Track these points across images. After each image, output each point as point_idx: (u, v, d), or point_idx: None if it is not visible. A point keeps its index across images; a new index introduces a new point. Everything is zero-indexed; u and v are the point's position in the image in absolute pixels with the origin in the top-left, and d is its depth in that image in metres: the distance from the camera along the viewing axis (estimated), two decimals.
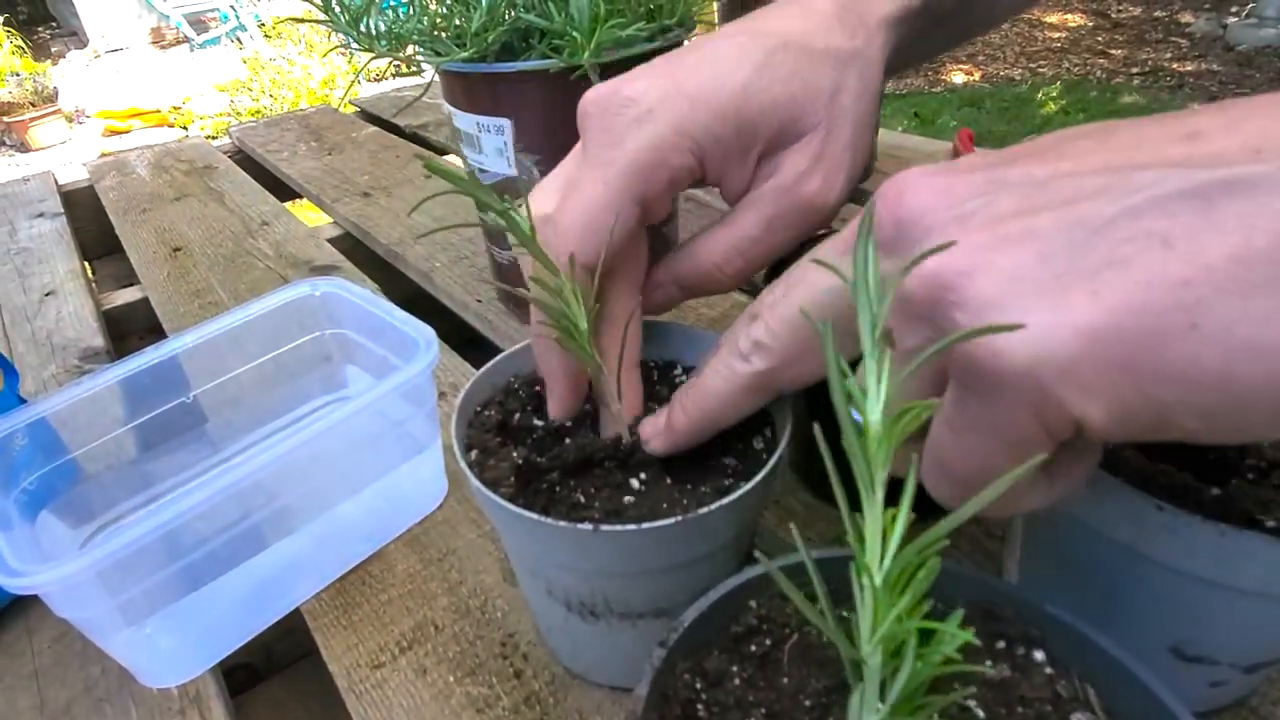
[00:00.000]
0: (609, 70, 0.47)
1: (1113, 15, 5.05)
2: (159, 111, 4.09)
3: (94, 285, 0.83)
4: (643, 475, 0.32)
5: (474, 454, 0.33)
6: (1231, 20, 4.32)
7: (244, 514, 0.39)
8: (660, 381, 0.38)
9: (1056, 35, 4.71)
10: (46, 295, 0.77)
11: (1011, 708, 0.24)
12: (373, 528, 0.45)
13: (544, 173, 0.55)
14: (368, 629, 0.40)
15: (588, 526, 0.28)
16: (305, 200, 1.03)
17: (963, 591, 0.25)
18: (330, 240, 0.85)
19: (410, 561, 0.44)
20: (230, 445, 0.51)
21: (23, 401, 0.47)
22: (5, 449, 0.41)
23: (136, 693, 0.38)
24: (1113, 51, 4.45)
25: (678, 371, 0.38)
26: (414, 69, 0.52)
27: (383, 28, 0.50)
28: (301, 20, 0.51)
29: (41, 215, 0.97)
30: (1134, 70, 4.15)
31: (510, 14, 0.51)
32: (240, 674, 0.51)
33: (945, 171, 0.22)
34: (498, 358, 0.37)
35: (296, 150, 1.11)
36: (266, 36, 4.42)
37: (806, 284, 0.26)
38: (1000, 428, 0.19)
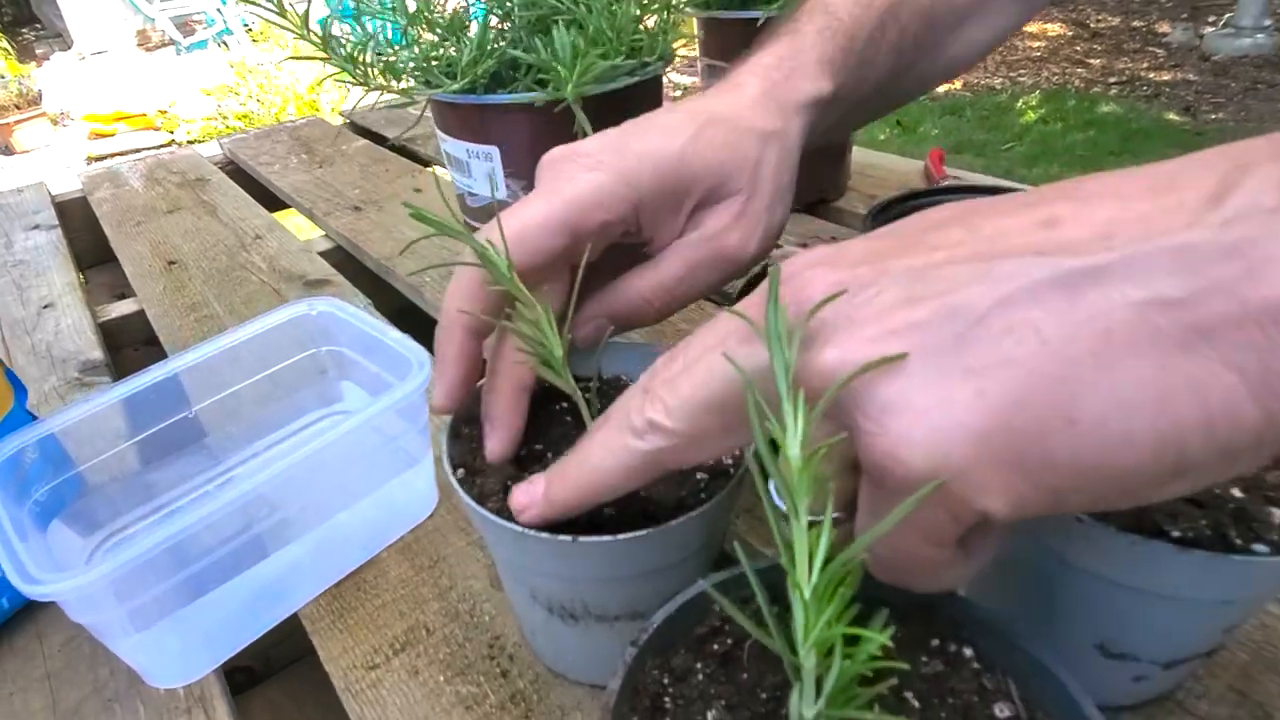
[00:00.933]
0: (591, 104, 0.50)
1: (1091, 25, 5.13)
2: (145, 115, 4.08)
3: (89, 296, 0.85)
4: None
5: (461, 471, 0.36)
6: (1208, 30, 4.41)
7: (247, 525, 0.41)
8: (606, 396, 0.40)
9: (1036, 45, 4.79)
10: (45, 308, 0.79)
11: (943, 698, 0.27)
12: (367, 536, 0.48)
13: None
14: (363, 632, 0.43)
15: (568, 538, 0.30)
16: (291, 208, 1.05)
17: (903, 594, 0.28)
18: (322, 254, 0.87)
19: (403, 568, 0.46)
20: (230, 457, 0.53)
21: (32, 417, 0.49)
22: (18, 463, 0.43)
23: (144, 693, 0.41)
24: (1091, 61, 4.53)
25: (625, 383, 0.41)
26: (407, 99, 0.55)
27: (378, 60, 0.53)
28: (298, 58, 0.53)
29: (37, 227, 0.98)
30: (1111, 80, 4.22)
31: (498, 46, 0.53)
32: (240, 675, 0.54)
33: (836, 263, 0.23)
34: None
35: (288, 163, 1.13)
36: (255, 41, 4.42)
37: (705, 368, 0.26)
38: (912, 521, 0.20)
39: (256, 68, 3.61)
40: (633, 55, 0.53)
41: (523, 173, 0.57)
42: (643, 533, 0.30)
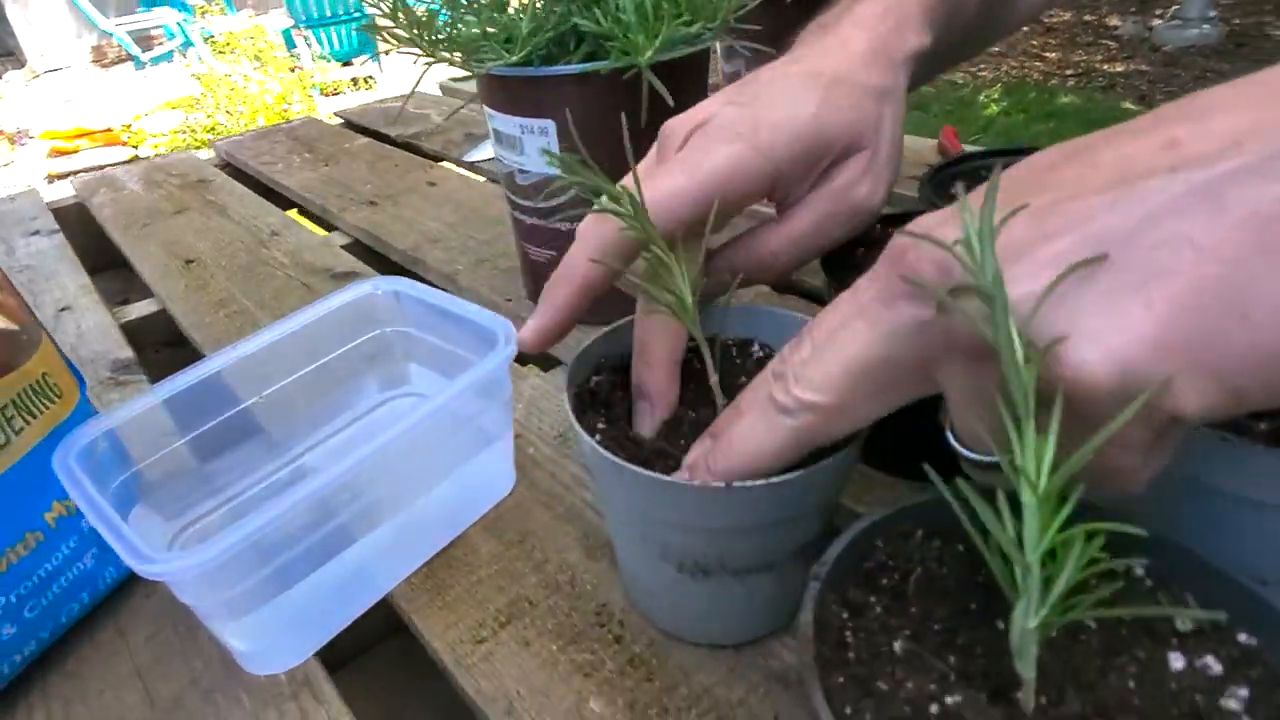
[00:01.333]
0: (655, 71, 0.50)
1: (1045, 20, 5.26)
2: (109, 130, 3.98)
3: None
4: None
5: (598, 436, 0.35)
6: (1157, 22, 4.55)
7: (331, 513, 0.40)
8: (740, 357, 0.40)
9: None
10: (62, 310, 0.76)
11: (1121, 620, 0.27)
12: (450, 516, 0.47)
13: None
14: (464, 608, 0.42)
15: (722, 485, 0.30)
16: (293, 211, 1.03)
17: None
18: (344, 248, 0.86)
19: (491, 545, 0.45)
20: (295, 446, 0.52)
21: (92, 410, 0.48)
22: (92, 453, 0.42)
23: (246, 681, 0.39)
24: (1047, 54, 4.64)
25: (755, 349, 0.41)
26: (469, 72, 0.54)
27: (441, 33, 0.52)
28: (373, 28, 0.52)
29: (37, 233, 0.95)
30: (1068, 72, 4.33)
31: (555, 12, 0.53)
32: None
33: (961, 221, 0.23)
34: (592, 339, 0.39)
35: (290, 162, 1.12)
36: (220, 53, 4.35)
37: (852, 332, 0.26)
38: (1113, 438, 0.21)
39: (224, 79, 3.55)
40: (692, 22, 0.53)
41: (578, 147, 0.56)
42: (794, 475, 0.30)
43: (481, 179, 1.02)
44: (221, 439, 0.48)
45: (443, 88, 1.54)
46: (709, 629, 0.38)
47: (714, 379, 0.36)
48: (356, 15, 5.19)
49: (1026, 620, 0.22)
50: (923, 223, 0.24)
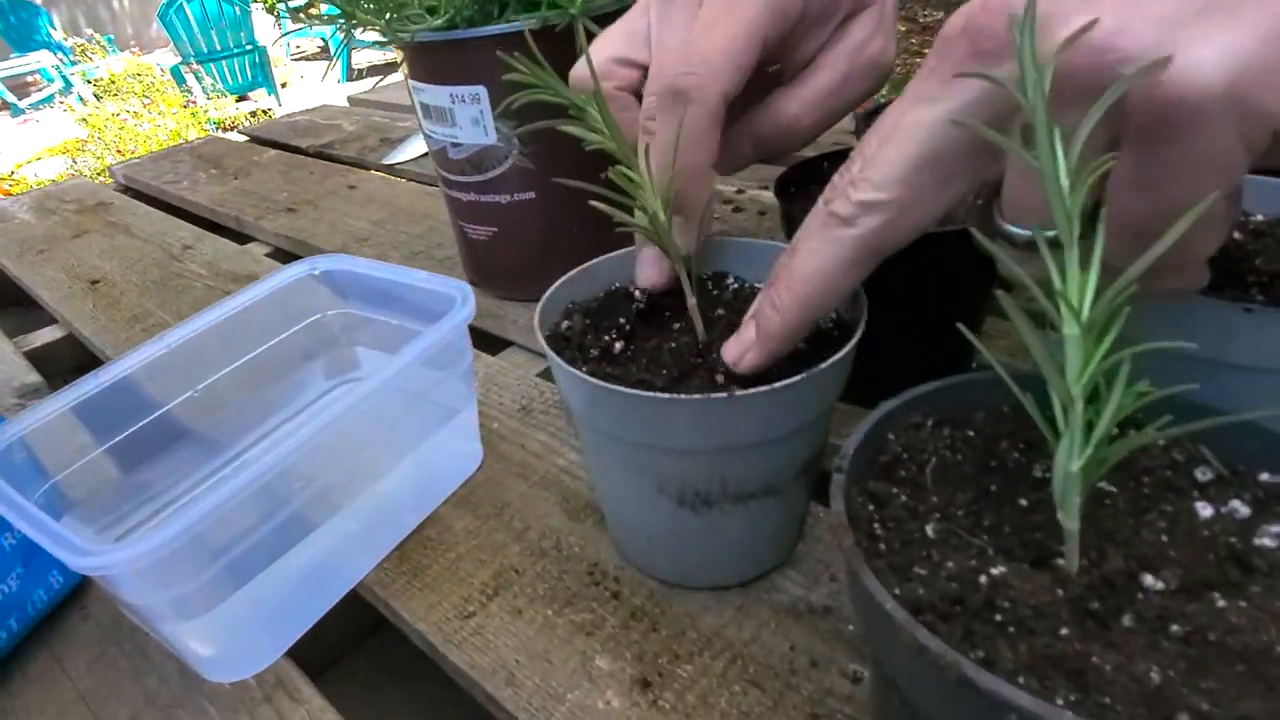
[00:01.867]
0: (598, 22, 0.48)
1: (921, 20, 5.53)
2: None
3: None
4: (719, 374, 0.33)
5: (586, 368, 0.33)
6: None
7: (281, 502, 0.37)
8: (715, 289, 0.39)
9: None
10: None
11: (1138, 479, 0.26)
12: (417, 497, 0.44)
13: (522, 138, 0.56)
14: (446, 586, 0.39)
15: (723, 395, 0.28)
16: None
17: None
18: (266, 255, 0.81)
19: (467, 520, 0.43)
20: (235, 445, 0.48)
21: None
22: (8, 461, 0.37)
23: (210, 691, 0.35)
24: (925, 51, 4.86)
25: (730, 281, 0.39)
26: (392, 37, 0.51)
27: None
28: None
29: None
30: None
31: None
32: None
33: None
34: (558, 283, 0.37)
35: (196, 179, 1.05)
36: (103, 94, 4.12)
37: (906, 125, 0.25)
38: (1204, 161, 0.20)
39: (113, 118, 3.36)
40: None
41: (512, 111, 0.54)
42: (798, 378, 0.29)
43: (405, 181, 0.99)
44: (146, 445, 0.44)
45: (350, 100, 1.49)
46: (712, 568, 0.36)
47: (692, 300, 0.34)
48: (249, 49, 5.02)
49: (1070, 462, 0.21)
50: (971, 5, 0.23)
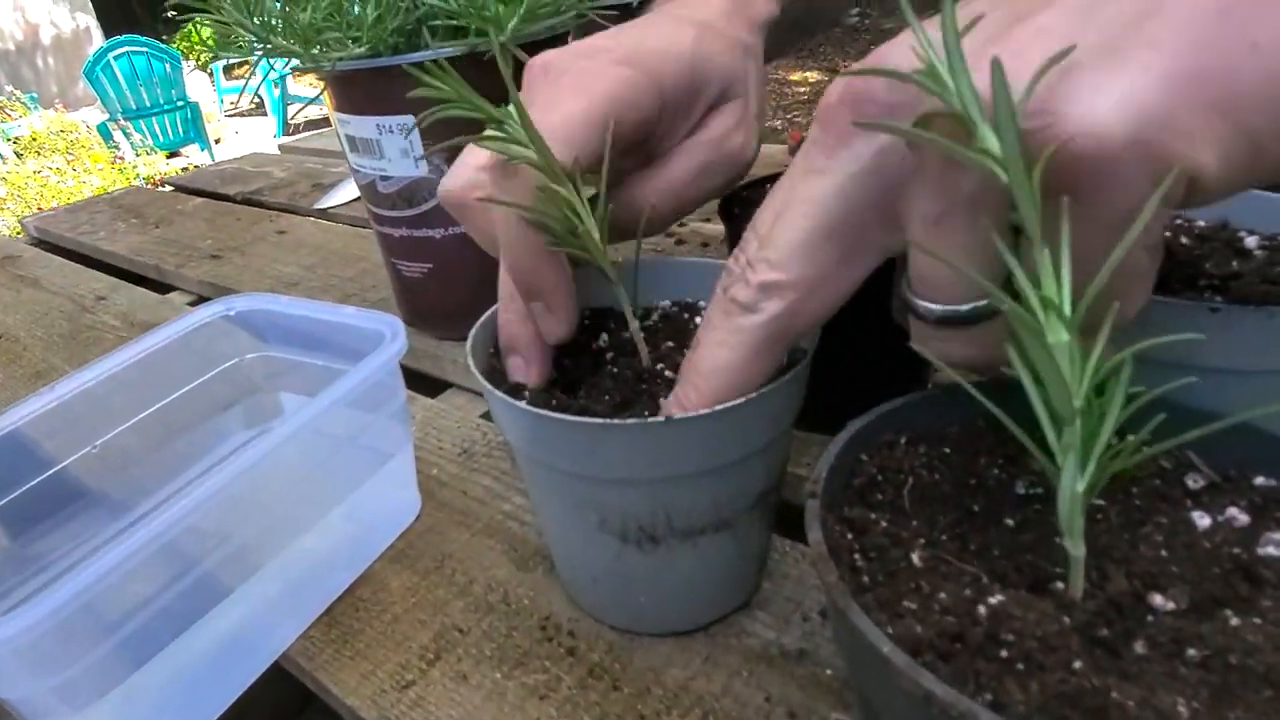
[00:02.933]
0: (527, 50, 0.47)
1: (840, 70, 5.80)
2: None
3: None
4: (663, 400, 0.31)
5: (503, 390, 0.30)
6: None
7: (188, 565, 0.32)
8: (654, 313, 0.37)
9: (802, 89, 5.43)
10: None
11: (1126, 490, 0.24)
12: (349, 553, 0.39)
13: None
14: (380, 653, 0.35)
15: (660, 419, 0.26)
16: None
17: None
18: (189, 305, 0.76)
19: (405, 576, 0.39)
20: (142, 504, 0.43)
21: None
22: None
23: None
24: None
25: (669, 305, 0.37)
26: (315, 66, 0.48)
27: (273, 24, 0.46)
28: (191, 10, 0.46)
29: None
30: None
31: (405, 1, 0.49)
32: None
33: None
34: (489, 313, 0.35)
35: (115, 229, 1.00)
36: (23, 152, 3.97)
37: (799, 199, 0.24)
38: (1119, 218, 0.18)
39: (35, 175, 3.23)
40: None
41: (442, 140, 0.52)
42: (739, 401, 0.26)
43: (339, 225, 0.95)
44: (38, 508, 0.39)
45: (282, 147, 1.46)
46: (665, 612, 0.33)
47: (634, 324, 0.32)
48: (181, 105, 4.92)
49: (1075, 483, 0.19)
50: (883, 51, 0.22)
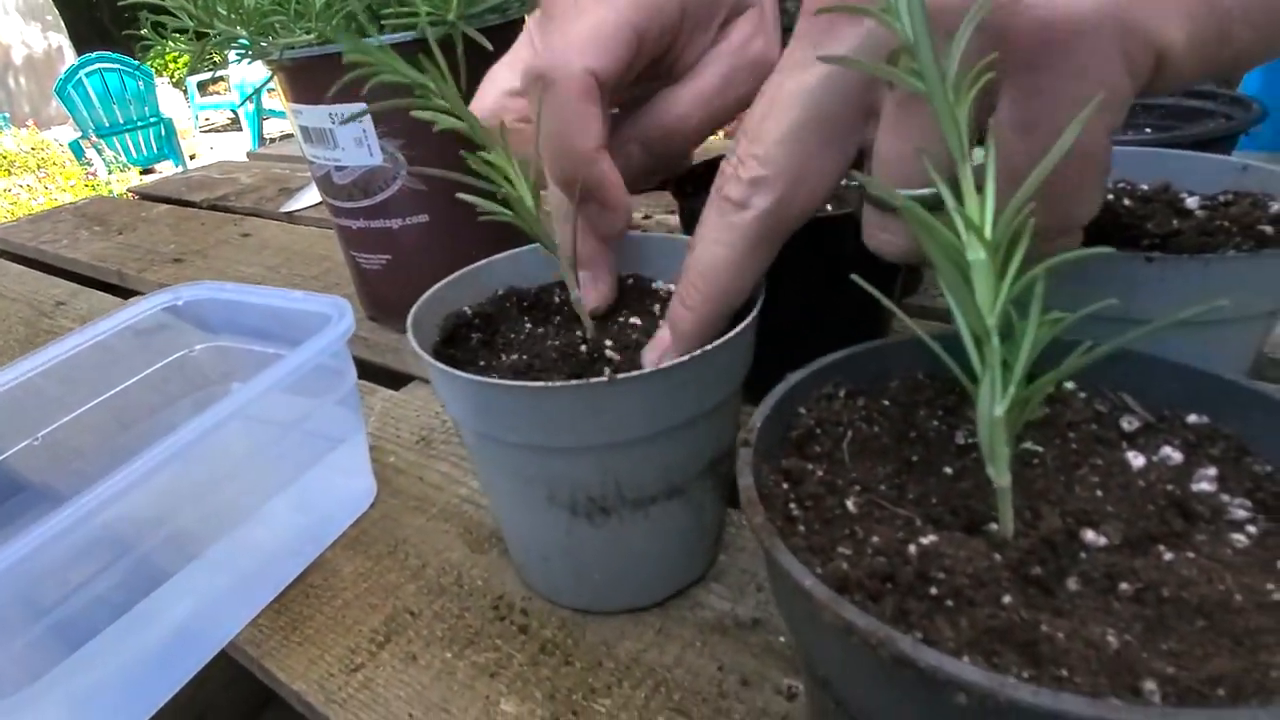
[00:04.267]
0: (466, 45, 0.46)
1: None
2: None
3: None
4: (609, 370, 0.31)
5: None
6: None
7: (123, 549, 0.31)
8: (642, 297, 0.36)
9: None
10: None
11: (1064, 435, 0.24)
12: (296, 540, 0.39)
13: (410, 158, 0.53)
14: (329, 637, 0.34)
15: (603, 379, 0.25)
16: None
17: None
18: None
19: (358, 562, 0.38)
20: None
21: None
22: None
23: None
24: None
25: (627, 279, 0.37)
26: (264, 53, 0.48)
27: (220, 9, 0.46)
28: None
29: None
30: None
31: None
32: None
33: None
34: (437, 286, 0.34)
35: (77, 237, 0.98)
36: None
37: (785, 95, 0.25)
38: (1086, 87, 0.18)
39: (5, 193, 3.19)
40: None
41: (399, 129, 0.52)
42: (685, 359, 0.26)
43: (304, 227, 0.94)
44: None
45: (250, 155, 1.44)
46: (619, 588, 0.33)
47: (575, 294, 0.32)
48: (154, 121, 4.88)
49: (994, 406, 0.18)
50: None
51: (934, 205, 0.21)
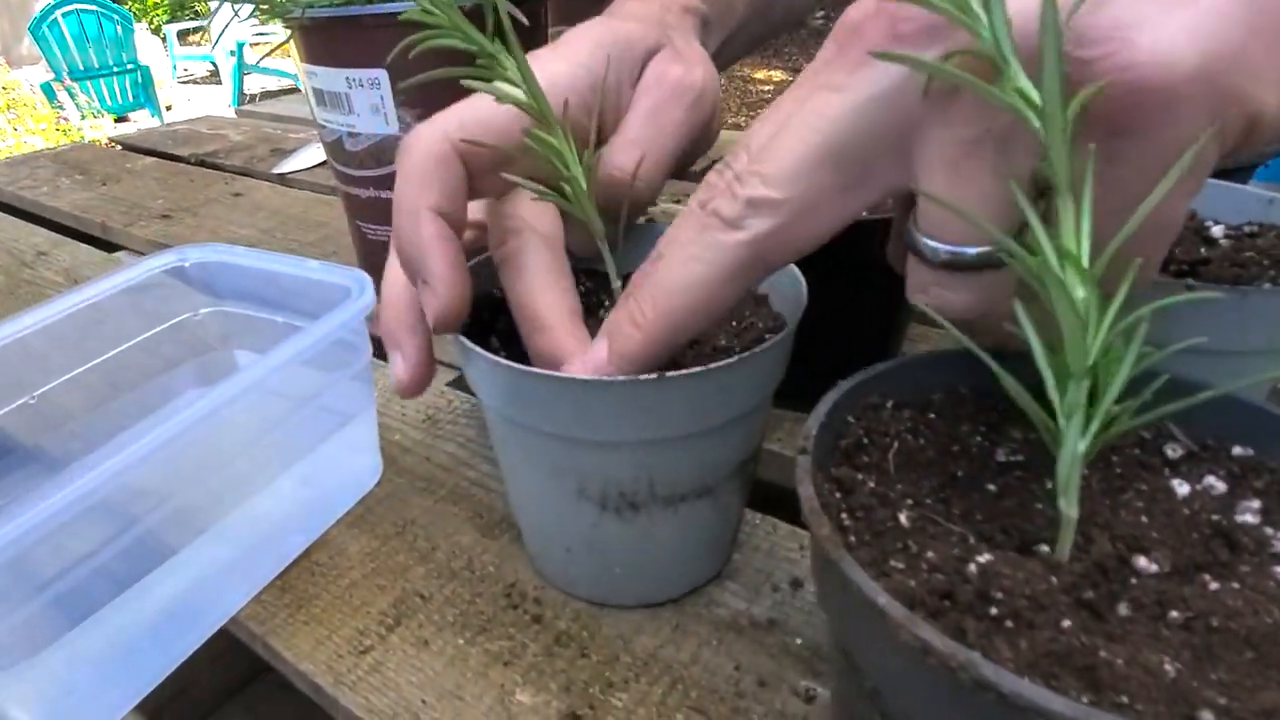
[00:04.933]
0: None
1: (801, 69, 5.90)
2: None
3: None
4: None
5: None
6: None
7: (127, 522, 0.31)
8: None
9: (766, 88, 5.49)
10: None
11: (1107, 458, 0.24)
12: (304, 516, 0.38)
13: None
14: (337, 617, 0.33)
15: (652, 376, 0.25)
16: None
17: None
18: None
19: (364, 541, 0.37)
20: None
21: None
22: None
23: None
24: None
25: None
26: (283, 9, 0.46)
27: None
28: None
29: None
30: None
31: None
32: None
33: None
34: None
35: (58, 185, 0.95)
36: None
37: (806, 114, 0.22)
38: (1175, 156, 0.17)
39: None
40: None
41: (417, 98, 0.50)
42: (733, 359, 0.26)
43: (298, 190, 0.92)
44: None
45: (239, 111, 1.41)
46: (641, 583, 0.32)
47: (616, 284, 0.31)
48: (131, 68, 4.72)
49: (1077, 444, 0.18)
50: None
51: (994, 264, 0.20)
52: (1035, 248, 0.18)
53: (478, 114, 0.29)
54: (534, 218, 0.30)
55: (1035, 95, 0.17)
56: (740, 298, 0.25)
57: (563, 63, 0.31)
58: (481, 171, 0.29)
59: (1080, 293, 0.17)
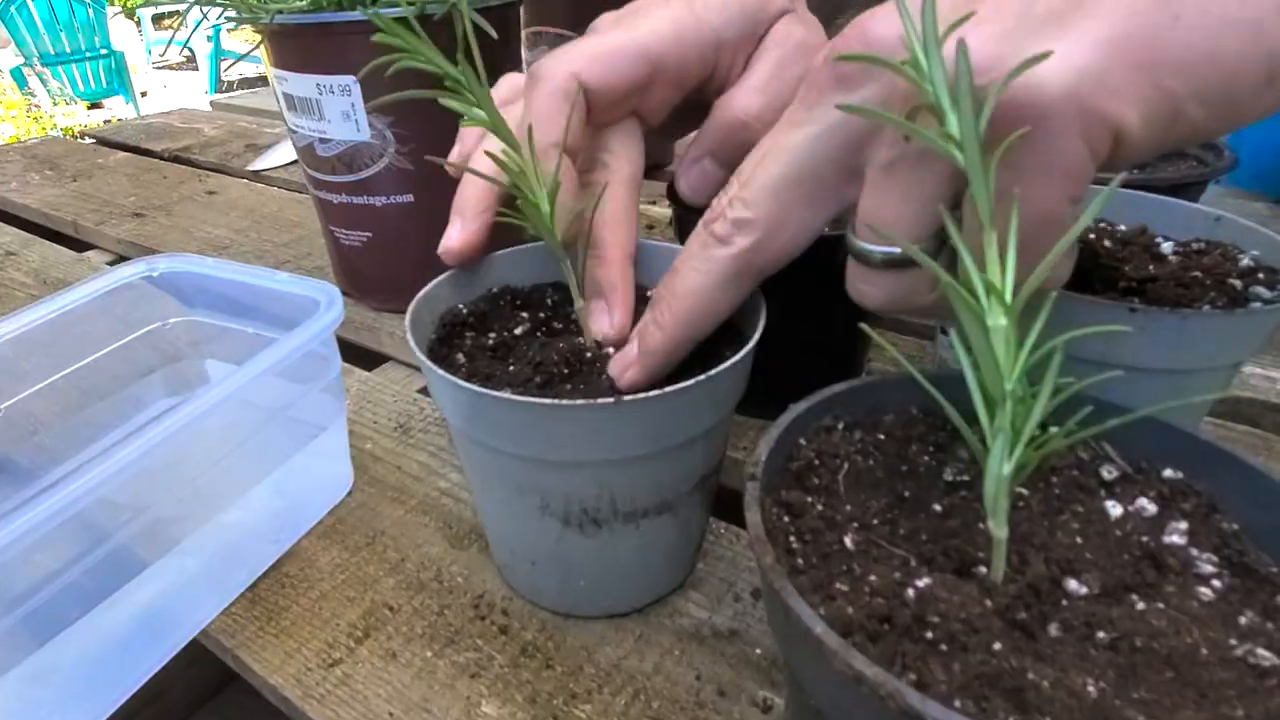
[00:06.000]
0: (483, 13, 0.45)
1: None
2: None
3: None
4: (607, 380, 0.31)
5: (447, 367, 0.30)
6: None
7: (100, 537, 0.31)
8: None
9: None
10: None
11: (1047, 479, 0.25)
12: (275, 528, 0.38)
13: (399, 135, 0.52)
14: (306, 630, 0.34)
15: (609, 400, 0.26)
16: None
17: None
18: (109, 265, 0.72)
19: (334, 552, 0.38)
20: (50, 472, 0.41)
21: None
22: None
23: None
24: None
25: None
26: (253, 16, 0.46)
27: None
28: None
29: None
30: None
31: None
32: None
33: (876, 13, 0.24)
34: (433, 283, 0.34)
35: (27, 180, 0.94)
36: None
37: (777, 147, 0.26)
38: (1053, 165, 0.20)
39: None
40: None
41: (389, 105, 0.50)
42: (690, 383, 0.26)
43: (273, 189, 0.91)
44: None
45: (214, 104, 1.39)
46: (603, 595, 0.33)
47: (579, 303, 0.32)
48: (104, 53, 4.64)
49: (1003, 465, 0.19)
50: (864, 17, 0.24)
51: (904, 264, 0.24)
52: (962, 277, 0.19)
53: (599, 51, 0.32)
54: (622, 158, 0.33)
55: (957, 132, 0.18)
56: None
57: (686, 13, 0.33)
58: (599, 106, 0.32)
59: (1002, 321, 0.18)
